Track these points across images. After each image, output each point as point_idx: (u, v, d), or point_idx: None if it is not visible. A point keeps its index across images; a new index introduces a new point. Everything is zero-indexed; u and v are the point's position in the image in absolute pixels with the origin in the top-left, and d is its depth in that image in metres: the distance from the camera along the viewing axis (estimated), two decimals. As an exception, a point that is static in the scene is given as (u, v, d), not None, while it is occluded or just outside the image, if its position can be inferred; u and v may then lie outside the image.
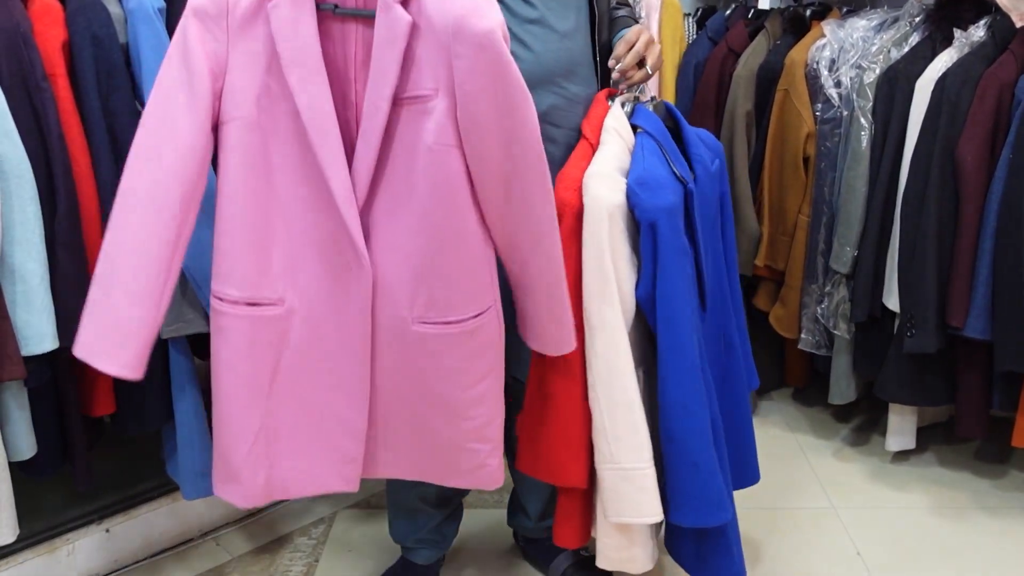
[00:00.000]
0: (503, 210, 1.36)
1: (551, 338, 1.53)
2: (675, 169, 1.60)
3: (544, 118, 1.57)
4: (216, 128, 1.34)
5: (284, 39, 1.27)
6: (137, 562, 2.13)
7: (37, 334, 1.59)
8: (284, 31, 1.26)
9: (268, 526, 2.27)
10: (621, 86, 1.71)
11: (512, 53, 1.49)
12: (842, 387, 2.49)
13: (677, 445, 1.60)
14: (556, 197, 1.49)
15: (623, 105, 1.69)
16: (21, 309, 1.57)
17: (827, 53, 2.41)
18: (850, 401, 2.52)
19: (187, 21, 1.28)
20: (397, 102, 1.30)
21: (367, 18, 1.30)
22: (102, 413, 1.81)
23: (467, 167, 1.33)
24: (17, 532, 1.69)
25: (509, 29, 1.53)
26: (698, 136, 1.74)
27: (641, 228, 1.56)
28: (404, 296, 1.39)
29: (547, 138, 1.45)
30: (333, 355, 1.42)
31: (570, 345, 1.54)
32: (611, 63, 1.68)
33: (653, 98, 1.74)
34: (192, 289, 1.75)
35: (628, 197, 1.55)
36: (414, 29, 1.27)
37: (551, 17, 1.64)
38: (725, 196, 1.79)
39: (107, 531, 2.09)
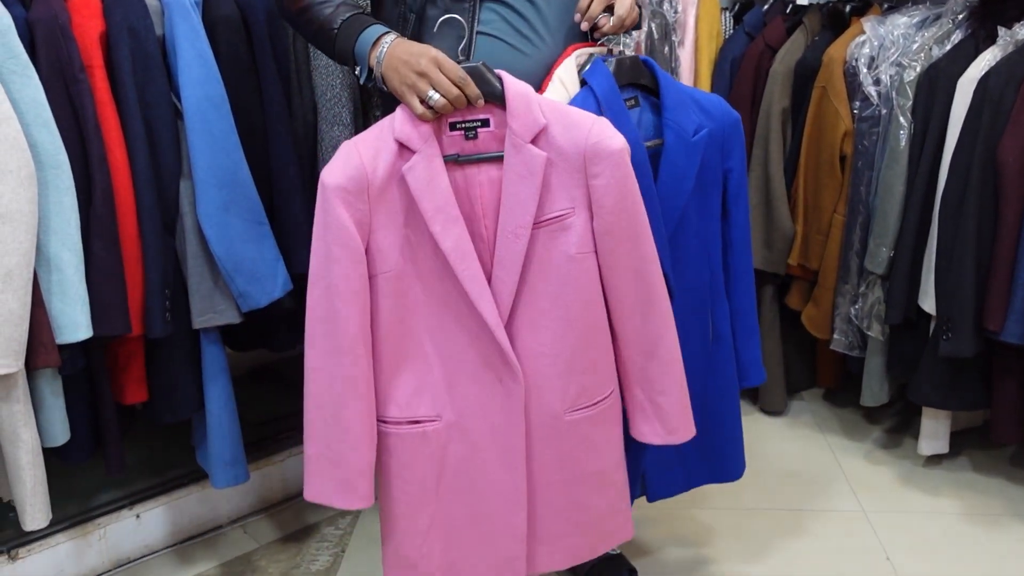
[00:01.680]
0: (635, 296, 1.51)
1: (675, 419, 1.59)
2: None
3: None
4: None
5: (424, 196, 1.41)
6: (166, 547, 2.15)
7: (71, 323, 1.61)
8: (422, 189, 1.41)
9: (296, 515, 2.28)
10: (590, 35, 1.64)
11: (519, 50, 1.61)
12: (874, 389, 2.45)
13: None
14: None
15: (583, 58, 1.63)
16: (56, 298, 1.59)
17: (866, 50, 2.37)
18: (882, 403, 2.48)
19: (329, 203, 1.40)
20: (533, 225, 1.45)
21: (491, 160, 1.46)
22: (134, 401, 1.83)
23: (600, 271, 1.49)
24: (50, 517, 1.72)
25: (516, 28, 1.61)
26: (695, 100, 1.67)
27: None
28: (556, 393, 1.52)
29: None
30: (490, 463, 1.54)
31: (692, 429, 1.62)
32: (576, 17, 1.61)
33: (622, 52, 1.65)
34: (224, 280, 1.76)
35: None
36: (547, 161, 1.42)
37: (552, 16, 1.63)
38: (732, 173, 1.72)
39: (137, 517, 2.11)
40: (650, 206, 1.54)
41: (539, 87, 1.60)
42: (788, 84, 2.53)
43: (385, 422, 1.51)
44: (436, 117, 1.42)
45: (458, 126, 1.45)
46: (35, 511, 1.68)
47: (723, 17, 2.81)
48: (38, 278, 1.57)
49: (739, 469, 1.90)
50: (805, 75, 2.51)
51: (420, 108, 1.40)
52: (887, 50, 2.34)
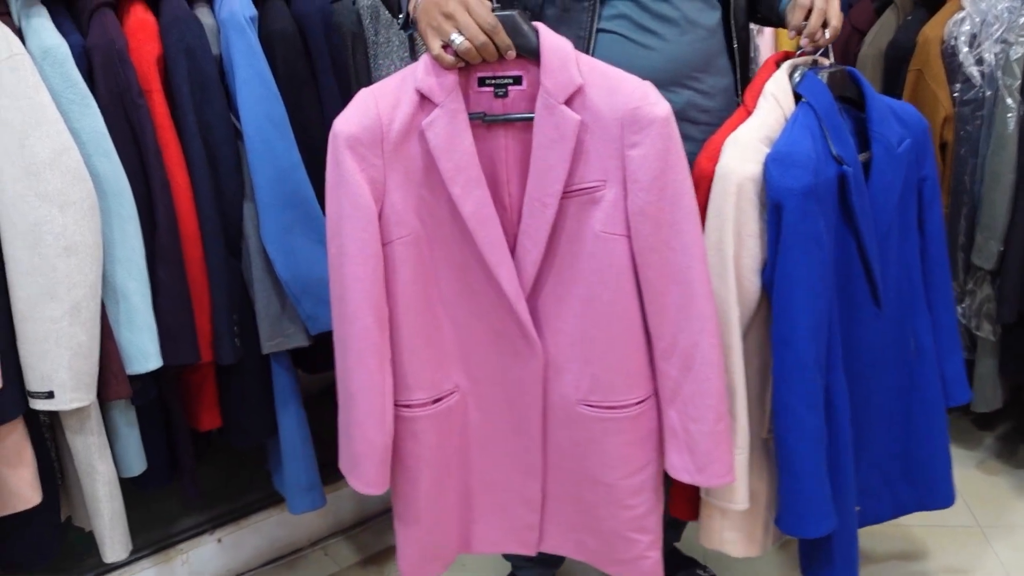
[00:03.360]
0: (670, 294, 1.36)
1: (704, 454, 1.40)
2: (832, 147, 1.46)
3: (680, 115, 1.45)
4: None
5: (444, 155, 1.30)
6: (248, 571, 2.14)
7: (141, 353, 1.59)
8: (442, 147, 1.29)
9: (376, 536, 2.25)
10: (804, 49, 1.54)
11: (643, 45, 1.48)
12: (986, 393, 2.29)
13: (779, 445, 1.51)
14: (695, 166, 1.44)
15: (791, 71, 1.53)
16: (124, 328, 1.57)
17: (967, 27, 2.20)
18: (995, 408, 2.32)
19: (340, 154, 1.29)
20: (563, 195, 1.33)
21: (520, 121, 1.34)
22: (209, 428, 1.81)
23: (633, 258, 1.35)
24: (130, 548, 1.71)
25: (639, 23, 1.47)
26: (892, 110, 1.58)
27: (767, 208, 1.44)
28: (571, 377, 1.42)
29: (685, 136, 1.37)
30: (508, 433, 1.47)
31: (729, 474, 1.43)
32: (790, 34, 1.51)
33: (832, 64, 1.57)
34: (291, 303, 1.72)
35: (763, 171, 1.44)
36: (581, 125, 1.29)
37: (689, 10, 1.51)
38: (927, 182, 1.62)
39: (219, 541, 2.10)
40: (864, 223, 1.48)
41: (665, 82, 1.45)
42: (879, 69, 2.38)
43: (410, 406, 1.42)
44: (458, 64, 1.28)
45: (487, 82, 1.32)
46: (114, 543, 1.67)
47: (806, 1, 2.67)
48: (106, 309, 1.55)
49: (949, 496, 1.75)
50: (897, 58, 2.35)
51: (438, 50, 1.27)
52: (990, 26, 2.17)
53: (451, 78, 1.28)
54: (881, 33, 2.41)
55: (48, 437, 1.68)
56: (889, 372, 1.60)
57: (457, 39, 1.26)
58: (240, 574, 2.13)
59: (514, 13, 1.29)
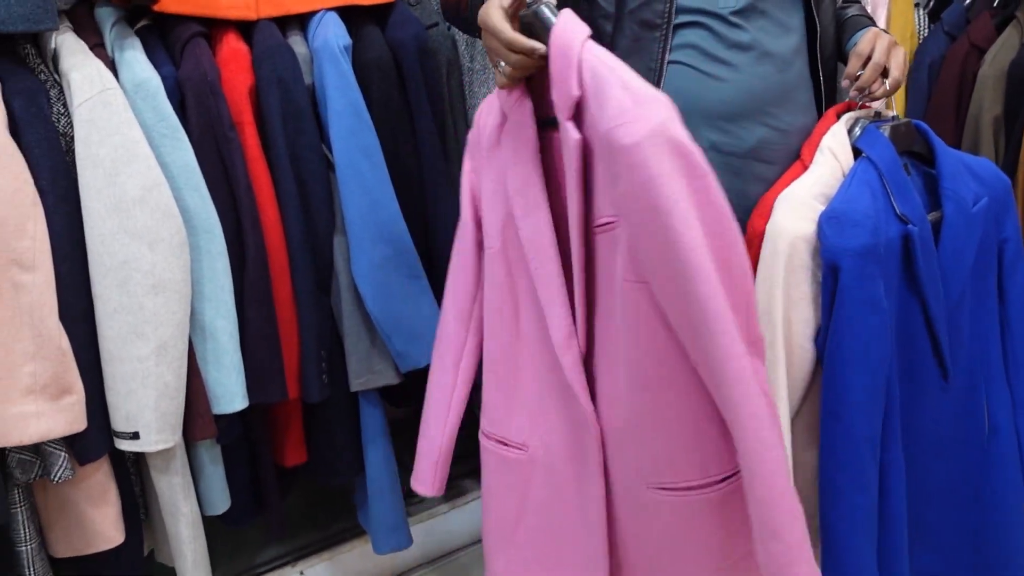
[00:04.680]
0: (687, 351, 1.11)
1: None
2: (895, 204, 1.34)
3: (753, 155, 1.37)
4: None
5: (511, 169, 1.16)
6: (330, 604, 2.10)
7: (228, 393, 1.55)
8: (510, 163, 1.16)
9: (461, 570, 2.18)
10: (859, 101, 1.46)
11: (714, 77, 1.35)
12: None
13: (823, 527, 1.36)
14: (748, 225, 1.34)
15: (851, 123, 1.44)
16: (212, 367, 1.54)
17: (1101, 46, 2.04)
18: None
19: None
20: (592, 230, 1.14)
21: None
22: (294, 463, 1.77)
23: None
24: (212, 588, 1.67)
25: (710, 54, 1.35)
26: (966, 166, 1.46)
27: (822, 270, 1.32)
28: (631, 455, 1.18)
29: (757, 178, 1.28)
30: (571, 515, 1.25)
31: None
32: (844, 83, 1.43)
33: (895, 117, 1.48)
34: (381, 340, 1.66)
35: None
36: (586, 147, 1.09)
37: (764, 39, 1.39)
38: (1008, 243, 1.49)
39: (301, 573, 2.06)
40: (931, 289, 1.34)
41: (736, 116, 1.36)
42: (1000, 89, 2.22)
43: (486, 436, 1.32)
44: (516, 85, 1.17)
45: None
46: (197, 583, 1.64)
47: (916, 15, 2.52)
48: (193, 347, 1.52)
49: None
50: (1021, 77, 2.20)
51: (501, 79, 1.18)
52: None
53: (517, 90, 1.17)
54: (1003, 51, 2.24)
55: (133, 472, 1.65)
56: (956, 452, 1.44)
57: (501, 64, 1.17)
58: (321, 608, 2.09)
59: (538, 7, 1.13)
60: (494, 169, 1.21)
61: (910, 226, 1.34)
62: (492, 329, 1.27)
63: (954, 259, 1.41)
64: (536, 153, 1.15)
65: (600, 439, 1.19)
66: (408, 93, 1.67)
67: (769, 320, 1.33)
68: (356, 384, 1.68)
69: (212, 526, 1.68)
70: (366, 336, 1.67)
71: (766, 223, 1.35)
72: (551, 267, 1.15)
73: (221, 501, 1.67)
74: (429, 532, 2.19)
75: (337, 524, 2.14)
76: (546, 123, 1.17)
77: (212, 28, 1.56)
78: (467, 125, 1.75)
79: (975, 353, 1.47)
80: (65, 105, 1.42)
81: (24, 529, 1.47)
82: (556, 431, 1.23)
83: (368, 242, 1.61)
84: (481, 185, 1.23)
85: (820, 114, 1.52)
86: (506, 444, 1.29)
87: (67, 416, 1.39)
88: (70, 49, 1.42)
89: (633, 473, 1.19)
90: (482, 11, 1.17)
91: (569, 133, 1.08)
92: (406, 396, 1.92)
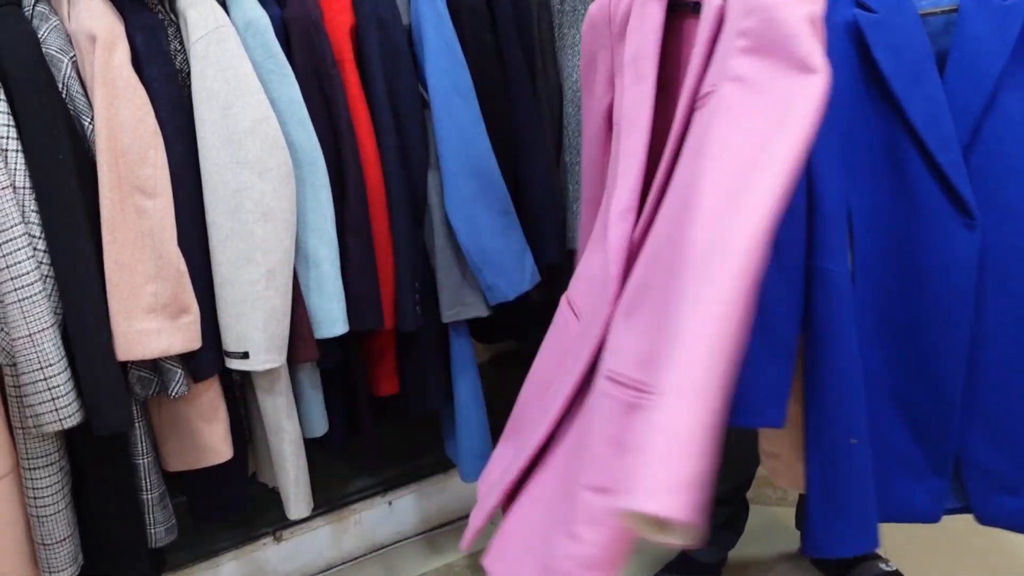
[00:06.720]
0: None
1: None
2: None
3: None
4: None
5: (633, 34, 1.14)
6: (417, 535, 2.18)
7: (329, 318, 1.62)
8: (632, 33, 1.14)
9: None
10: None
11: None
12: None
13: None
14: None
15: None
16: (314, 294, 1.61)
17: None
18: None
19: (582, 36, 1.25)
20: (696, 104, 1.06)
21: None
22: (387, 393, 1.84)
23: None
24: (311, 506, 1.77)
25: None
26: None
27: None
28: (621, 337, 1.12)
29: None
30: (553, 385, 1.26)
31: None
32: None
33: None
34: (471, 273, 1.72)
35: None
36: (720, 15, 1.04)
37: None
38: None
39: (390, 504, 2.14)
40: (929, 107, 1.06)
41: None
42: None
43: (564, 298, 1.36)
44: None
45: None
46: (298, 500, 1.73)
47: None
48: (297, 275, 1.59)
49: None
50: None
51: None
52: None
53: None
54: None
55: (238, 396, 1.75)
56: (996, 306, 1.17)
57: None
58: (409, 537, 2.17)
59: None
60: (624, 46, 1.18)
61: (857, 11, 1.09)
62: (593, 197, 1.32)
63: (971, 66, 1.12)
64: (658, 28, 1.13)
65: (607, 322, 1.13)
66: (500, 35, 1.71)
67: None
68: (447, 315, 1.75)
69: (307, 457, 1.75)
70: (457, 269, 1.73)
71: None
72: (639, 136, 1.11)
73: (320, 424, 1.75)
74: (511, 469, 2.25)
75: (424, 458, 2.20)
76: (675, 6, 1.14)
77: (315, -30, 1.62)
78: (556, 66, 1.79)
79: None
80: (181, 42, 1.50)
81: (141, 443, 1.57)
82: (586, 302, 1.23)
83: (461, 177, 1.66)
84: (613, 62, 1.20)
85: None
86: (572, 308, 1.31)
87: (184, 334, 1.48)
88: (185, -12, 1.50)
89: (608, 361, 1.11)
90: None
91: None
92: (492, 332, 1.99)
